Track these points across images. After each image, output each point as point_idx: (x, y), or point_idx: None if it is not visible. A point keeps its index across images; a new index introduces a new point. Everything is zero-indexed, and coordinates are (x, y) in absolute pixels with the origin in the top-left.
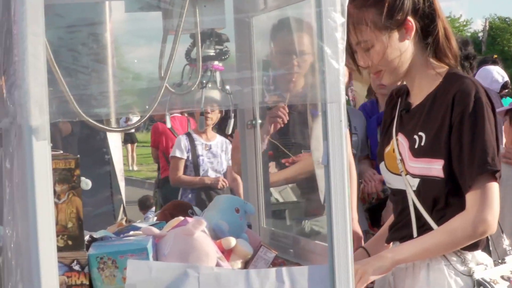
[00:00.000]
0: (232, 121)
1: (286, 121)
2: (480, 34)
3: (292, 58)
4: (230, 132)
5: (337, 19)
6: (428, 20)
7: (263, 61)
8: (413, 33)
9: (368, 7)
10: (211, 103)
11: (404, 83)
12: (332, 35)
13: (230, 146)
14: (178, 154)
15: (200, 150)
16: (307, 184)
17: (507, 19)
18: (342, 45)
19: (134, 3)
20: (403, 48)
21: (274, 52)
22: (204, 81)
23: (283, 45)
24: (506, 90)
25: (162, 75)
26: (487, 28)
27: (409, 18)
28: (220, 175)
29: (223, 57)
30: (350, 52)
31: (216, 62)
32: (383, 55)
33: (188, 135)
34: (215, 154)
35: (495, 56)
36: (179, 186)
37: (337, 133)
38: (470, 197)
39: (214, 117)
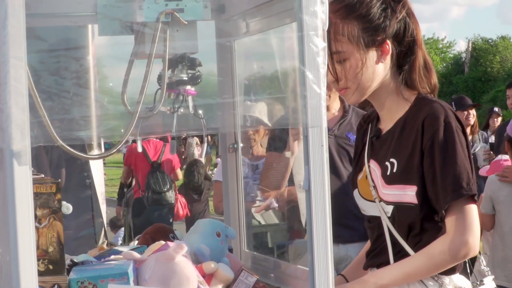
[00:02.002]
0: (205, 145)
1: None
2: (463, 55)
3: None
4: (203, 156)
5: (318, 44)
6: (405, 49)
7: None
8: (388, 57)
9: (351, 20)
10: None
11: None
12: (313, 60)
13: None
14: (221, 178)
15: (245, 171)
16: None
17: (490, 40)
18: (323, 69)
19: (107, 27)
20: (376, 70)
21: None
22: (176, 106)
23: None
24: None
25: (137, 99)
26: (470, 49)
27: (388, 41)
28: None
29: (195, 82)
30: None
31: (188, 87)
32: (358, 71)
33: None
34: None
35: None
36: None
37: (318, 158)
38: (450, 221)
39: (257, 137)
